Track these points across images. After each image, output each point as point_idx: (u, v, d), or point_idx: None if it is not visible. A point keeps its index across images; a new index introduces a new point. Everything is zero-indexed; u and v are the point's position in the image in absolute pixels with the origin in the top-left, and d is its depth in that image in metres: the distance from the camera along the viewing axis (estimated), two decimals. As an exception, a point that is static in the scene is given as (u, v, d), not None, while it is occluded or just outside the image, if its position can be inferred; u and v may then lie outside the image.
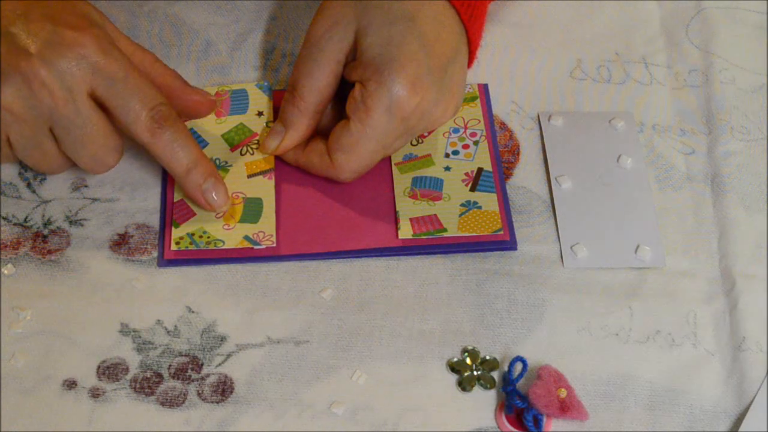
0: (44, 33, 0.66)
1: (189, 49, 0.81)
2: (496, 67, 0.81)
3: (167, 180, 0.74)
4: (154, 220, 0.73)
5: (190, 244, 0.70)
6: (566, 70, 0.81)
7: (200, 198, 0.70)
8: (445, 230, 0.71)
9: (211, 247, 0.70)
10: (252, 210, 0.72)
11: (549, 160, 0.76)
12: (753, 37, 0.83)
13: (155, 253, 0.71)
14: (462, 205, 0.73)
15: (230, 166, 0.74)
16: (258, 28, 0.82)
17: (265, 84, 0.77)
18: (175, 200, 0.72)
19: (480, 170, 0.74)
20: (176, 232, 0.71)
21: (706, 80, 0.80)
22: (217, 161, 0.74)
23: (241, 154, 0.74)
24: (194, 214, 0.72)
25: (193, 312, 0.69)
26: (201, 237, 0.71)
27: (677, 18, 0.84)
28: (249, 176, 0.73)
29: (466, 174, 0.74)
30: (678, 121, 0.78)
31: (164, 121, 0.68)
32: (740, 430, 0.65)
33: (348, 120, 0.70)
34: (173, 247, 0.70)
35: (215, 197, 0.70)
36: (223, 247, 0.70)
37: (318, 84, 0.71)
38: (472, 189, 0.73)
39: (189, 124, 0.75)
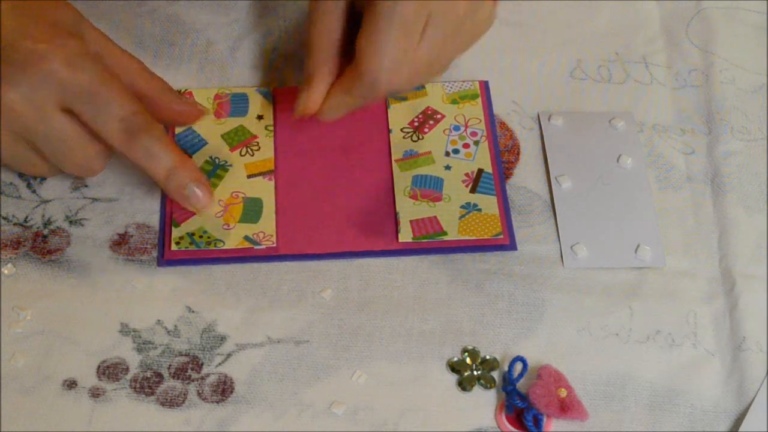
0: (5, 51, 0.65)
1: (189, 49, 0.81)
2: (496, 67, 0.81)
3: None
4: (154, 220, 0.73)
5: (190, 244, 0.71)
6: (566, 70, 0.81)
7: (184, 202, 0.70)
8: (445, 233, 0.71)
9: (211, 247, 0.70)
10: (252, 210, 0.72)
11: (549, 160, 0.76)
12: (753, 37, 0.83)
13: (155, 253, 0.71)
14: (462, 207, 0.73)
15: (230, 165, 0.74)
16: (258, 28, 0.82)
17: (266, 89, 0.78)
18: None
19: (480, 171, 0.74)
20: (176, 232, 0.71)
21: (706, 80, 0.80)
22: (217, 160, 0.74)
23: (241, 155, 0.74)
24: (194, 214, 0.72)
25: (193, 312, 0.69)
26: (201, 237, 0.71)
27: (677, 18, 0.84)
28: (249, 176, 0.74)
29: (466, 174, 0.74)
30: (678, 121, 0.78)
31: (138, 130, 0.66)
32: (740, 430, 0.65)
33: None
34: (173, 246, 0.70)
35: (199, 198, 0.69)
36: (223, 247, 0.70)
37: (326, 25, 0.70)
38: (472, 191, 0.73)
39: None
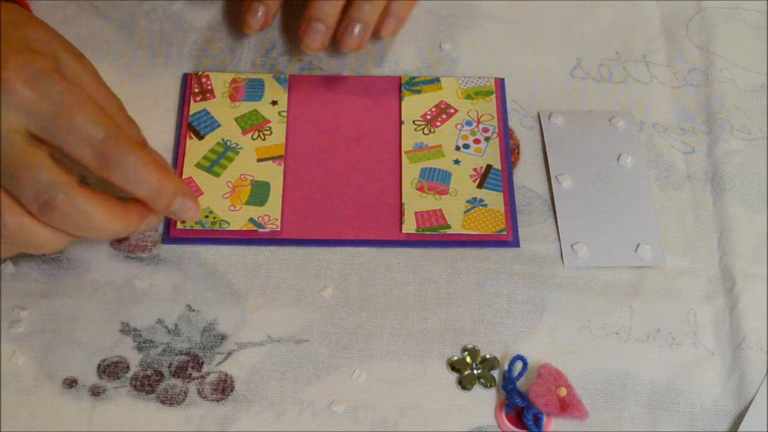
0: None
1: (189, 48, 0.81)
2: (496, 65, 0.81)
3: (178, 155, 0.74)
4: (155, 219, 0.73)
5: (195, 223, 0.71)
6: (566, 69, 0.81)
7: (173, 217, 0.66)
8: (449, 227, 0.71)
9: (216, 227, 0.71)
10: (259, 193, 0.73)
11: (549, 159, 0.76)
12: (753, 36, 0.83)
13: (156, 251, 0.71)
14: (468, 201, 0.73)
15: (241, 148, 0.75)
16: (258, 27, 0.82)
17: (282, 76, 0.78)
18: (184, 177, 0.73)
19: (489, 167, 0.74)
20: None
21: (706, 79, 0.80)
22: (228, 143, 0.75)
23: (252, 139, 0.75)
24: (202, 193, 0.72)
25: (193, 311, 0.69)
26: (207, 217, 0.71)
27: (677, 17, 0.84)
28: (259, 160, 0.74)
29: (475, 170, 0.74)
30: (678, 120, 0.78)
31: (112, 154, 0.61)
32: (740, 429, 0.65)
33: None
34: (179, 225, 0.71)
35: (186, 211, 0.65)
36: (228, 228, 0.71)
37: None
38: (479, 186, 0.74)
39: (202, 105, 0.77)
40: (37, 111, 0.60)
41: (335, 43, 0.77)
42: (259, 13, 0.78)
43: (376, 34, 0.78)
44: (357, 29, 0.76)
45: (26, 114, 0.60)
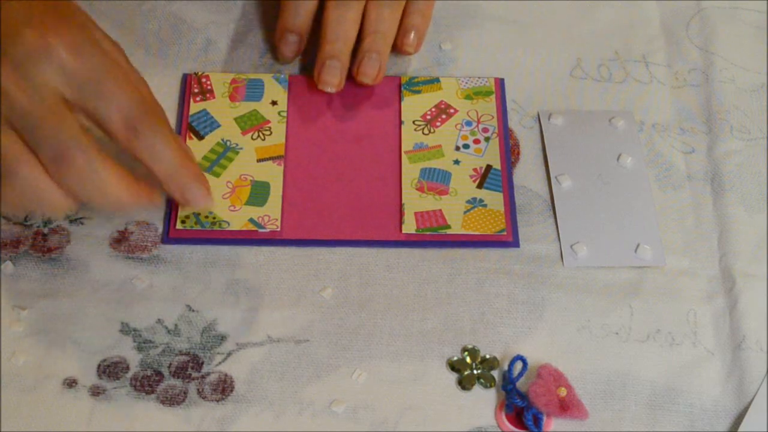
0: (9, 38, 0.62)
1: (189, 48, 0.81)
2: (496, 65, 0.81)
3: None
4: (155, 218, 0.73)
5: (195, 223, 0.71)
6: (566, 69, 0.81)
7: (182, 201, 0.67)
8: (448, 227, 0.71)
9: (216, 227, 0.71)
10: (259, 193, 0.73)
11: (549, 159, 0.76)
12: (753, 36, 0.83)
13: (156, 251, 0.71)
14: (468, 201, 0.73)
15: (241, 148, 0.75)
16: (258, 27, 0.82)
17: (282, 76, 0.78)
18: None
19: (489, 167, 0.74)
20: (182, 211, 0.71)
21: (706, 79, 0.80)
22: (228, 143, 0.75)
23: (252, 139, 0.75)
24: None
25: (193, 311, 0.69)
26: (207, 217, 0.71)
27: (677, 17, 0.84)
28: (259, 161, 0.74)
29: (475, 170, 0.74)
30: (678, 120, 0.78)
31: (142, 127, 0.63)
32: (740, 429, 0.65)
33: None
34: (179, 225, 0.71)
35: (196, 200, 0.66)
36: (228, 229, 0.71)
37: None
38: (479, 186, 0.74)
39: (202, 105, 0.77)
40: (76, 76, 0.62)
41: (352, 76, 0.77)
42: (292, 41, 0.78)
43: (399, 50, 0.78)
44: (374, 58, 0.76)
45: (64, 76, 0.62)
